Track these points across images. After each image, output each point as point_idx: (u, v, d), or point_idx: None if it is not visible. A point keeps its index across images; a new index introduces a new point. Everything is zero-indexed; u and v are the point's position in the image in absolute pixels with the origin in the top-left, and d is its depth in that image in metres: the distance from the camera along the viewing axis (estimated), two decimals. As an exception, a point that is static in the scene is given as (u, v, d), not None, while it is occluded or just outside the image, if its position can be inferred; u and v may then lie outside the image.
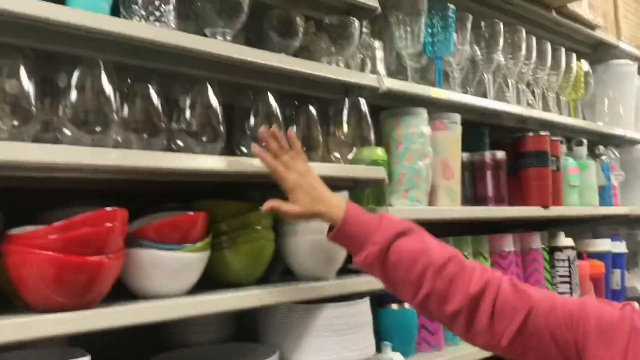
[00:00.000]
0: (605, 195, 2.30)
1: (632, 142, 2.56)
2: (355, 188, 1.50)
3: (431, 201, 1.64)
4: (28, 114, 0.97)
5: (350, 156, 1.45)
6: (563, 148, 2.12)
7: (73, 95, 1.02)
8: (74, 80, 1.02)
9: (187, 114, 1.19)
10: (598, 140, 2.43)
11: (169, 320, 1.07)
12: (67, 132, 1.03)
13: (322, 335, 1.29)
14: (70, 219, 0.94)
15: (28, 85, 0.97)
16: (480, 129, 1.95)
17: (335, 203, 1.12)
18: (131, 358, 1.28)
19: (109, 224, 0.97)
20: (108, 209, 0.97)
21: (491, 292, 0.97)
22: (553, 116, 2.11)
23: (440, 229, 1.76)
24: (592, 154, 2.33)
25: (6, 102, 0.96)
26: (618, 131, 2.43)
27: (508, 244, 1.84)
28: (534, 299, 0.97)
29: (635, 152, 2.57)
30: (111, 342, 1.24)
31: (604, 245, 2.25)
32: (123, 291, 1.10)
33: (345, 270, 1.46)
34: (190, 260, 1.12)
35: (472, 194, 1.86)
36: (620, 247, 2.31)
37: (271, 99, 1.31)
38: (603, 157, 2.32)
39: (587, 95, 2.38)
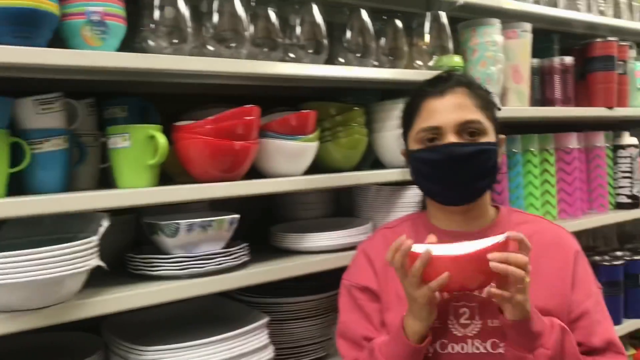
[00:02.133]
0: (673, 97, 2.41)
1: None
2: (435, 91, 1.75)
3: (502, 102, 1.85)
4: (185, 34, 1.26)
5: (431, 63, 1.68)
6: (632, 52, 2.24)
7: (214, 18, 1.31)
8: (215, 5, 1.31)
9: (297, 30, 1.46)
10: (671, 45, 2.52)
11: (291, 191, 1.40)
12: (210, 47, 1.33)
13: (406, 210, 1.59)
14: (221, 113, 1.26)
15: (184, 11, 1.26)
16: (550, 37, 2.11)
17: None
18: (256, 227, 1.64)
19: (249, 117, 1.28)
20: (248, 106, 1.28)
21: None
22: (623, 22, 2.22)
23: (511, 128, 1.99)
24: (663, 57, 2.43)
25: (167, 25, 1.26)
26: (691, 35, 2.50)
27: (572, 141, 2.04)
28: None
29: None
30: (239, 212, 1.59)
31: (668, 144, 2.39)
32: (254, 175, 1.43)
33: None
34: (304, 148, 1.43)
35: (541, 97, 2.06)
36: (685, 146, 2.45)
37: (364, 14, 1.56)
38: (674, 60, 2.41)
39: (662, 0, 2.44)
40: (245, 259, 1.34)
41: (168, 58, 1.21)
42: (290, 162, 1.42)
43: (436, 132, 1.15)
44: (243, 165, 1.30)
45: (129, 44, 1.30)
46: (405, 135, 1.25)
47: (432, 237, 1.06)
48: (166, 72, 1.23)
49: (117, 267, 1.33)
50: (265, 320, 1.33)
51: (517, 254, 1.00)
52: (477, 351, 1.12)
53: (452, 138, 1.13)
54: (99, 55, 1.12)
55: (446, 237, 1.18)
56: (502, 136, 1.24)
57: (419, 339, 1.07)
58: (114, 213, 1.34)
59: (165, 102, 1.52)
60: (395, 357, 1.08)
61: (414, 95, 1.23)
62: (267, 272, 1.33)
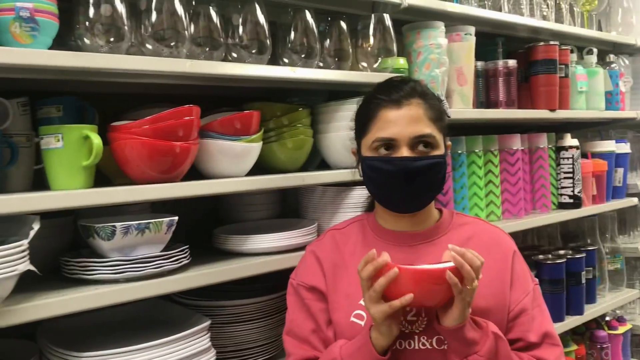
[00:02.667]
0: (613, 100, 2.50)
1: (643, 50, 2.71)
2: (380, 93, 1.76)
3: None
4: (121, 32, 1.24)
5: (375, 65, 1.69)
6: (573, 56, 2.31)
7: (153, 16, 1.29)
8: (153, 3, 1.29)
9: (240, 30, 1.44)
10: (610, 49, 2.60)
11: (234, 192, 1.38)
12: (149, 46, 1.30)
13: (352, 211, 1.60)
14: (159, 114, 1.24)
15: (121, 9, 1.23)
16: (494, 40, 2.15)
17: None
18: (202, 229, 1.62)
19: (187, 117, 1.26)
20: (187, 106, 1.26)
21: None
22: (565, 27, 2.29)
23: (455, 130, 2.03)
24: (603, 61, 2.51)
25: (103, 23, 1.23)
26: (630, 40, 2.59)
27: (516, 142, 2.09)
28: None
29: (646, 60, 2.74)
30: (183, 215, 1.56)
31: (608, 146, 2.48)
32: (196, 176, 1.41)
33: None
34: (247, 149, 1.41)
35: (486, 99, 2.10)
36: (624, 148, 2.54)
37: (308, 15, 1.55)
38: (613, 65, 2.50)
39: (601, 6, 2.52)
40: (185, 261, 1.32)
41: (102, 57, 1.18)
42: (232, 163, 1.40)
43: (391, 143, 1.17)
44: (182, 166, 1.28)
45: (65, 42, 1.27)
46: (358, 138, 1.26)
47: (385, 255, 1.06)
48: (102, 71, 1.21)
49: (54, 272, 1.29)
50: (206, 323, 1.31)
51: (474, 258, 1.05)
52: (424, 347, 1.15)
53: (405, 151, 1.16)
54: (28, 53, 1.09)
55: (392, 237, 1.22)
56: (449, 143, 1.27)
57: (381, 351, 1.09)
58: (51, 216, 1.31)
59: (105, 101, 1.49)
60: None
61: (369, 101, 1.23)
62: (208, 275, 1.31)
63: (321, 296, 1.22)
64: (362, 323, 1.16)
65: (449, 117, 1.29)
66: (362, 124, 1.23)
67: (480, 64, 2.06)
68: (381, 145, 1.18)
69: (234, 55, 1.45)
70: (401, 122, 1.16)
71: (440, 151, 1.19)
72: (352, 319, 1.17)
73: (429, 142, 1.17)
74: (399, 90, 1.19)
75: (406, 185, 1.16)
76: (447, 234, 1.24)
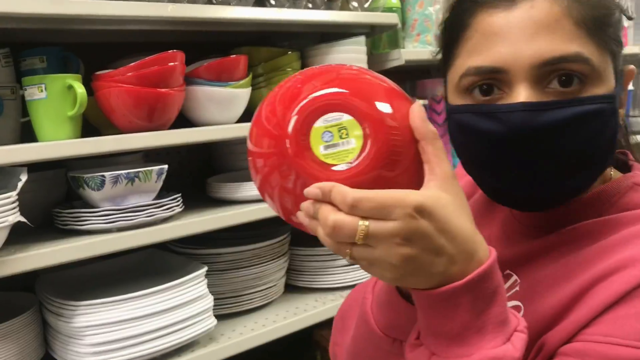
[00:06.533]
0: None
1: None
2: (372, 34, 1.72)
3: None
4: (99, -23, 1.20)
5: (366, 5, 1.64)
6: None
7: (131, -41, 1.25)
8: (131, -54, 1.24)
9: (224, -28, 1.40)
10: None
11: (223, 140, 1.37)
12: (130, -9, 1.27)
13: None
14: (142, 60, 1.21)
15: (96, -47, 1.19)
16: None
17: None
18: (198, 179, 1.61)
19: (172, 63, 1.24)
20: (170, 51, 1.24)
21: None
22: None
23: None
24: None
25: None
26: (633, -28, 2.50)
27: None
28: None
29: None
30: (178, 166, 1.55)
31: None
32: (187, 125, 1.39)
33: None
34: (235, 94, 1.39)
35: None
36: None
37: (294, -46, 1.50)
38: (615, -1, 2.42)
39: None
40: (178, 210, 1.31)
41: (81, 3, 1.15)
42: (221, 110, 1.38)
43: (496, 77, 0.63)
44: (169, 114, 1.27)
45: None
46: (443, 73, 0.73)
47: None
48: (81, 18, 1.18)
49: (48, 225, 1.30)
50: (202, 270, 1.32)
51: None
52: None
53: (524, 91, 0.61)
54: (5, 1, 1.06)
55: (521, 221, 0.73)
56: (630, 67, 0.67)
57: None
58: (41, 168, 1.31)
59: (92, 52, 1.46)
60: None
61: (459, 3, 0.68)
62: (200, 223, 1.31)
63: None
64: None
65: (630, 18, 0.69)
66: (447, 45, 0.70)
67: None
68: (477, 82, 0.64)
69: (218, -2, 1.41)
70: (516, 35, 0.61)
71: (603, 88, 0.62)
72: None
73: (578, 73, 0.61)
74: None
75: (526, 161, 0.62)
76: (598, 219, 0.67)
